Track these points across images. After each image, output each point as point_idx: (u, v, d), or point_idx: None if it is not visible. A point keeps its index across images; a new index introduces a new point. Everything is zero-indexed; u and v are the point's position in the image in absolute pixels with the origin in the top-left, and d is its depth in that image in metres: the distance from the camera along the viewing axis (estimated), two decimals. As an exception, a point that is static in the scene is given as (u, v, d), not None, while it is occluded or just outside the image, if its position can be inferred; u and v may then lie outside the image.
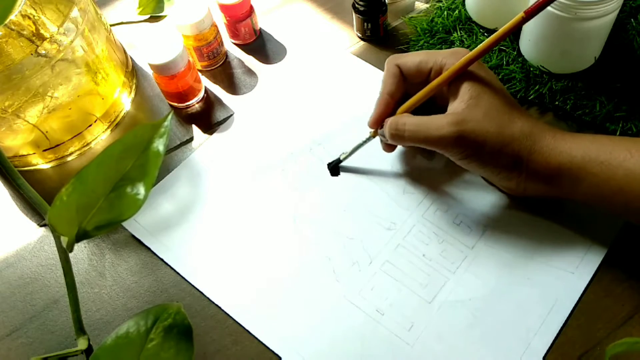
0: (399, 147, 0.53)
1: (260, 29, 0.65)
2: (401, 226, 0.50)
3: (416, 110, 0.48)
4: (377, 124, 0.49)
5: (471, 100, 0.44)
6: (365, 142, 0.51)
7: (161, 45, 0.54)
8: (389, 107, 0.48)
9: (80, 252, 0.52)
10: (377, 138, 0.51)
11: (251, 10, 0.62)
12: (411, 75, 0.48)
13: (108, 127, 0.58)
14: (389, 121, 0.47)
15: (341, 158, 0.53)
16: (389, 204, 0.51)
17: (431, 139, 0.45)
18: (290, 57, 0.62)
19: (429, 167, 0.53)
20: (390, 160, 0.53)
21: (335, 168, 0.54)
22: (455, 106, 0.45)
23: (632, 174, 0.41)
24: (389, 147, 0.52)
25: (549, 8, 0.50)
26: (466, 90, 0.45)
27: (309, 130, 0.56)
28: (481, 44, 0.44)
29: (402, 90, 0.48)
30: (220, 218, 0.52)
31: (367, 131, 0.51)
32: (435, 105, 0.48)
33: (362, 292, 0.47)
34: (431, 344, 0.45)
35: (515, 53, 0.58)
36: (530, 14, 0.42)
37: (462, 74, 0.45)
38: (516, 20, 0.43)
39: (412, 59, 0.47)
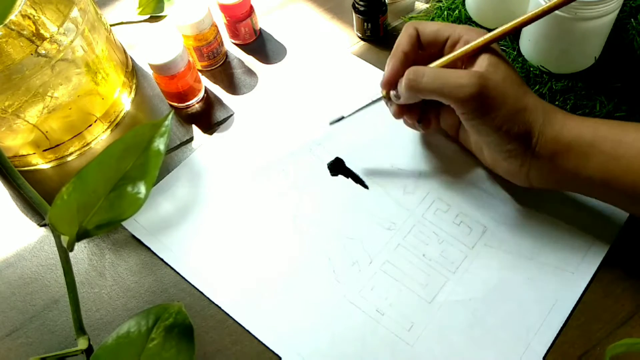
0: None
1: (260, 29, 0.65)
2: (401, 226, 0.50)
3: None
4: (391, 84, 0.48)
5: (490, 67, 0.44)
6: (374, 101, 0.50)
7: (161, 45, 0.54)
8: (403, 65, 0.47)
9: (80, 252, 0.52)
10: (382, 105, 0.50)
11: (251, 10, 0.62)
12: (427, 42, 0.47)
13: (108, 127, 0.58)
14: (409, 70, 0.46)
15: (345, 115, 0.52)
16: (389, 203, 0.51)
17: (449, 87, 0.43)
18: (290, 57, 0.62)
19: (430, 167, 0.53)
20: (391, 160, 0.53)
21: (335, 168, 0.53)
22: (475, 69, 0.45)
23: None
24: (398, 111, 0.50)
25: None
26: (484, 58, 0.44)
27: (309, 130, 0.56)
28: (513, 22, 0.45)
29: (416, 53, 0.48)
30: (221, 218, 0.52)
31: (376, 93, 0.50)
32: None
33: (362, 292, 0.47)
34: (431, 344, 0.45)
35: (515, 53, 0.58)
36: None
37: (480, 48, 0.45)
38: (554, 3, 0.43)
39: (431, 26, 0.47)
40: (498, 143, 0.45)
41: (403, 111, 0.50)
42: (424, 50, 0.48)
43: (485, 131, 0.45)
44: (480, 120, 0.44)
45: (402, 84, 0.46)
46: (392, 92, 0.48)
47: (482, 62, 0.45)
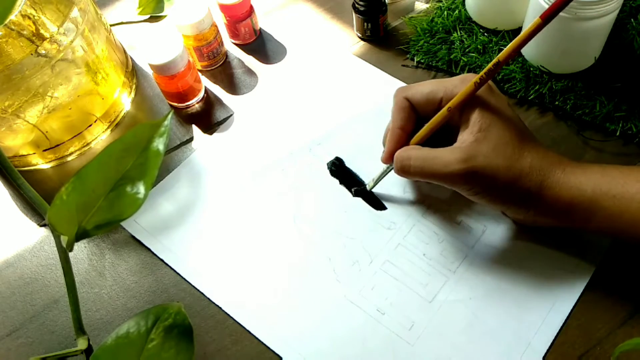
0: None
1: (260, 29, 0.65)
2: (401, 226, 0.50)
3: (428, 139, 0.46)
4: (390, 159, 0.47)
5: (480, 133, 0.43)
6: (386, 172, 0.49)
7: (161, 45, 0.54)
8: (400, 141, 0.46)
9: (80, 252, 0.52)
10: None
11: (251, 10, 0.62)
12: (421, 106, 0.46)
13: (108, 127, 0.58)
14: (396, 155, 0.46)
15: (368, 188, 0.52)
16: (389, 203, 0.51)
17: (439, 175, 0.43)
18: (290, 57, 0.62)
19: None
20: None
21: (335, 167, 0.53)
22: (464, 138, 0.43)
23: None
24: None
25: (549, 8, 0.50)
26: (476, 120, 0.43)
27: (309, 130, 0.56)
28: (491, 62, 0.42)
29: (414, 122, 0.47)
30: (220, 218, 0.52)
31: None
32: (447, 129, 0.46)
33: (362, 291, 0.47)
34: (432, 343, 0.45)
35: (515, 53, 0.58)
36: (547, 18, 0.40)
37: (473, 101, 0.43)
38: (533, 26, 0.40)
39: (421, 89, 0.46)
40: (498, 208, 0.48)
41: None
42: (420, 114, 0.47)
43: (483, 202, 0.45)
44: (476, 196, 0.45)
45: (394, 166, 0.46)
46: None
47: (474, 126, 0.43)
